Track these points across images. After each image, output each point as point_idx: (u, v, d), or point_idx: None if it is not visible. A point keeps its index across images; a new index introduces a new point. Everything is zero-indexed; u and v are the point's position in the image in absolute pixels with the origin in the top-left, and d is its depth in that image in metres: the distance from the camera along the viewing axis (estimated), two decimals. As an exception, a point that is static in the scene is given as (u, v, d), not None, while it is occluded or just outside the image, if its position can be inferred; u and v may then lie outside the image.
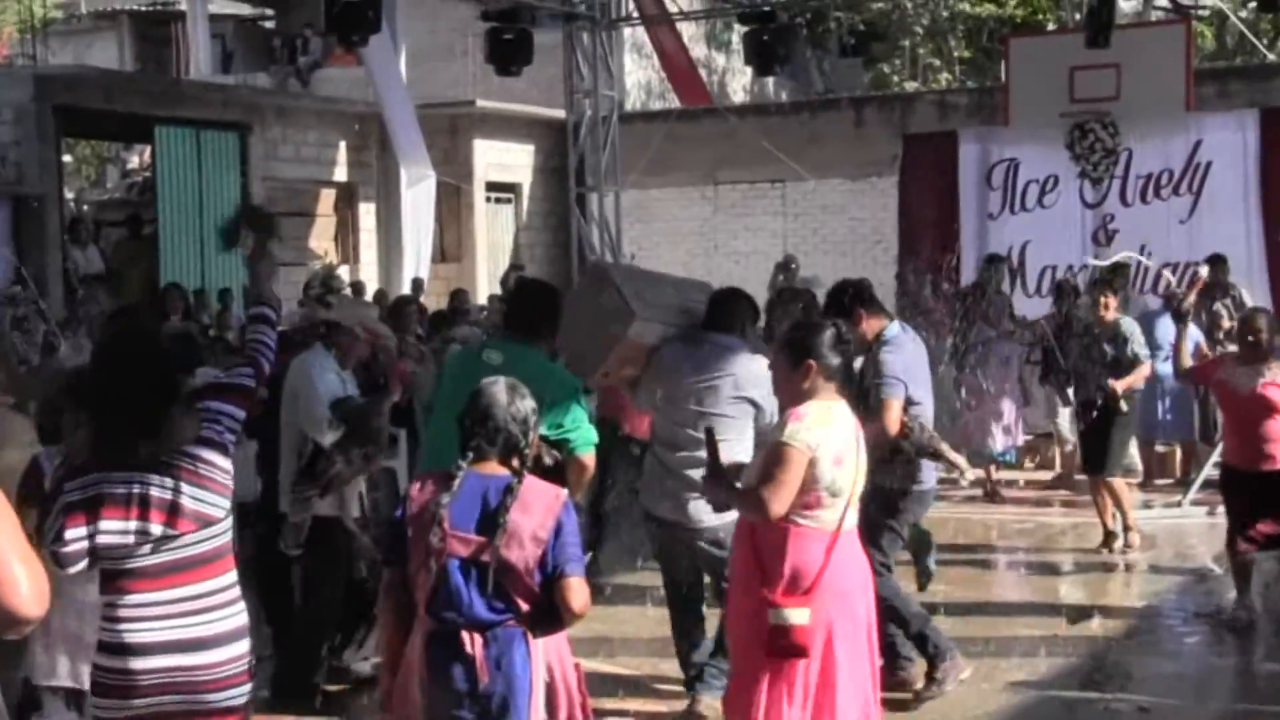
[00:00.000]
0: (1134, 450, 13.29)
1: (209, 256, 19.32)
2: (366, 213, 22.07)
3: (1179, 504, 11.72)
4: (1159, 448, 13.24)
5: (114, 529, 4.20)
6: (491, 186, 23.03)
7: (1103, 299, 10.35)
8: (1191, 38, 17.32)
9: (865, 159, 21.73)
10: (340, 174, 21.75)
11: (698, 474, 5.96)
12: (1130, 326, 10.38)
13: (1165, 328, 11.96)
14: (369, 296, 18.62)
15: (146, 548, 4.22)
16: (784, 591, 4.86)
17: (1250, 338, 8.22)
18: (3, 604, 2.59)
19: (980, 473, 11.97)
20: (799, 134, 22.59)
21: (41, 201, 17.21)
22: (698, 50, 26.60)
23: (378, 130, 21.29)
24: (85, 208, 21.91)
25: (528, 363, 5.78)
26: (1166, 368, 11.40)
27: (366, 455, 7.01)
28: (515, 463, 4.42)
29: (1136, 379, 10.32)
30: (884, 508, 6.77)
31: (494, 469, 4.40)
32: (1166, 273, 13.54)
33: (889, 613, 6.64)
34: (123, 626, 4.24)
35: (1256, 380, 8.11)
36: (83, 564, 4.20)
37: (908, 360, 6.85)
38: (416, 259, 20.51)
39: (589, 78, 17.83)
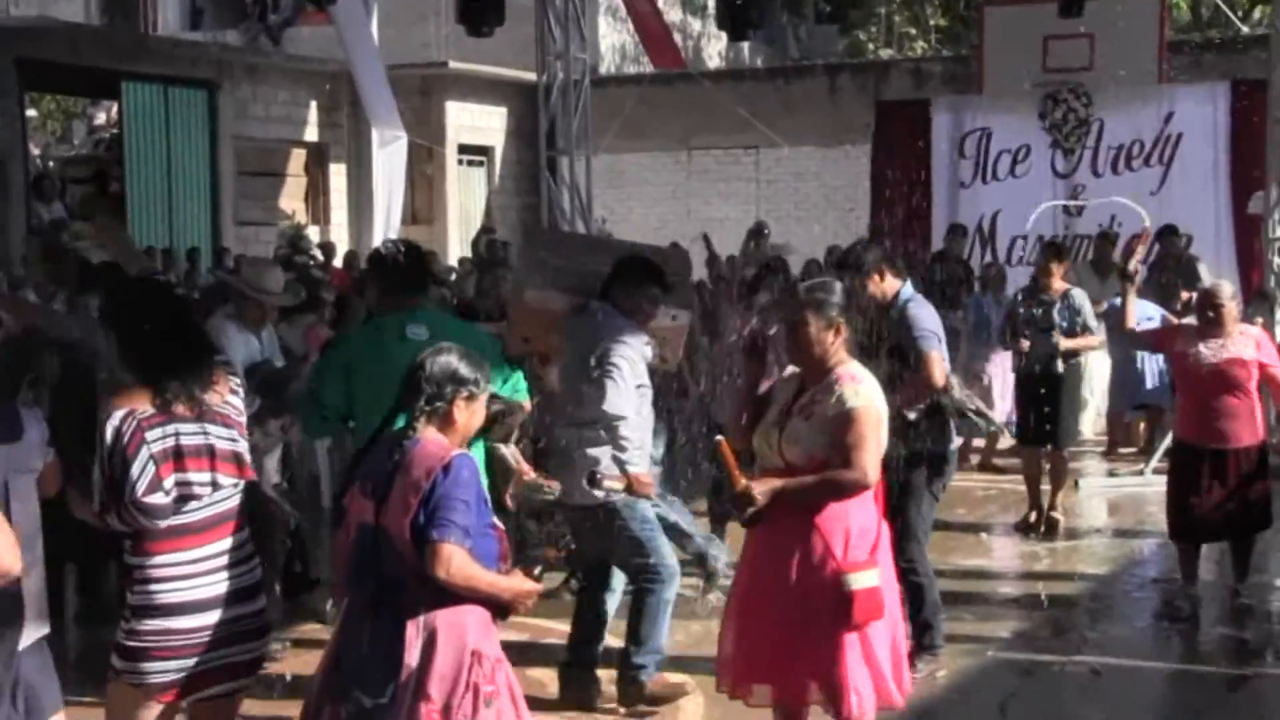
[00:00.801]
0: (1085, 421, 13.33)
1: (177, 215, 19.21)
2: (337, 173, 21.94)
3: (1141, 472, 11.76)
4: (1127, 417, 13.25)
5: (197, 480, 4.31)
6: (463, 149, 22.92)
7: (1049, 267, 10.14)
8: (1166, 9, 17.32)
9: (839, 126, 21.70)
10: (311, 134, 21.60)
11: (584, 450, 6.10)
12: (1081, 297, 10.08)
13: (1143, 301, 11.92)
14: (339, 259, 18.54)
15: (204, 500, 4.34)
16: (849, 557, 4.77)
17: (1211, 312, 7.88)
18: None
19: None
20: (773, 100, 22.54)
21: (5, 157, 17.05)
22: (672, 14, 26.45)
23: (349, 90, 21.12)
24: (51, 164, 21.72)
25: (454, 329, 5.70)
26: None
27: (284, 427, 6.90)
28: (413, 424, 4.22)
29: (1082, 344, 10.04)
30: (925, 472, 6.70)
31: (422, 431, 4.23)
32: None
33: (913, 589, 6.59)
34: (186, 584, 4.31)
35: (1220, 354, 7.80)
36: (171, 516, 4.28)
37: (934, 315, 6.82)
38: (387, 221, 20.39)
39: (561, 40, 17.70)
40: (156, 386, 4.33)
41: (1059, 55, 16.21)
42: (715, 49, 28.92)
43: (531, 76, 20.79)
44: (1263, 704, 6.78)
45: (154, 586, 4.29)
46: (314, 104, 21.47)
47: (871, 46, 29.79)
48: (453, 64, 22.32)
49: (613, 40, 26.56)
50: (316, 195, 21.98)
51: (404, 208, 21.17)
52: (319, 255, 18.76)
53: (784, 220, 21.63)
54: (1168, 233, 13.54)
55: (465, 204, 23.02)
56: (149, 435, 4.25)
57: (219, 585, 4.34)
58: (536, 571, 4.34)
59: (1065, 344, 9.80)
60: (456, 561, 4.04)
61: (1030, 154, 16.38)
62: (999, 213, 16.39)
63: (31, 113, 20.98)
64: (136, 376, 4.37)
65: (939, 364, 6.64)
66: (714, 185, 24.03)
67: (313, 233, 20.56)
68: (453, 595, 4.09)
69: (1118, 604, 8.49)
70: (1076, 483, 11.75)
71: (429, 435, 4.20)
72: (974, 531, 10.07)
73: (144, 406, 4.29)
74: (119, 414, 4.26)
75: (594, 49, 21.78)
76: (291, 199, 21.71)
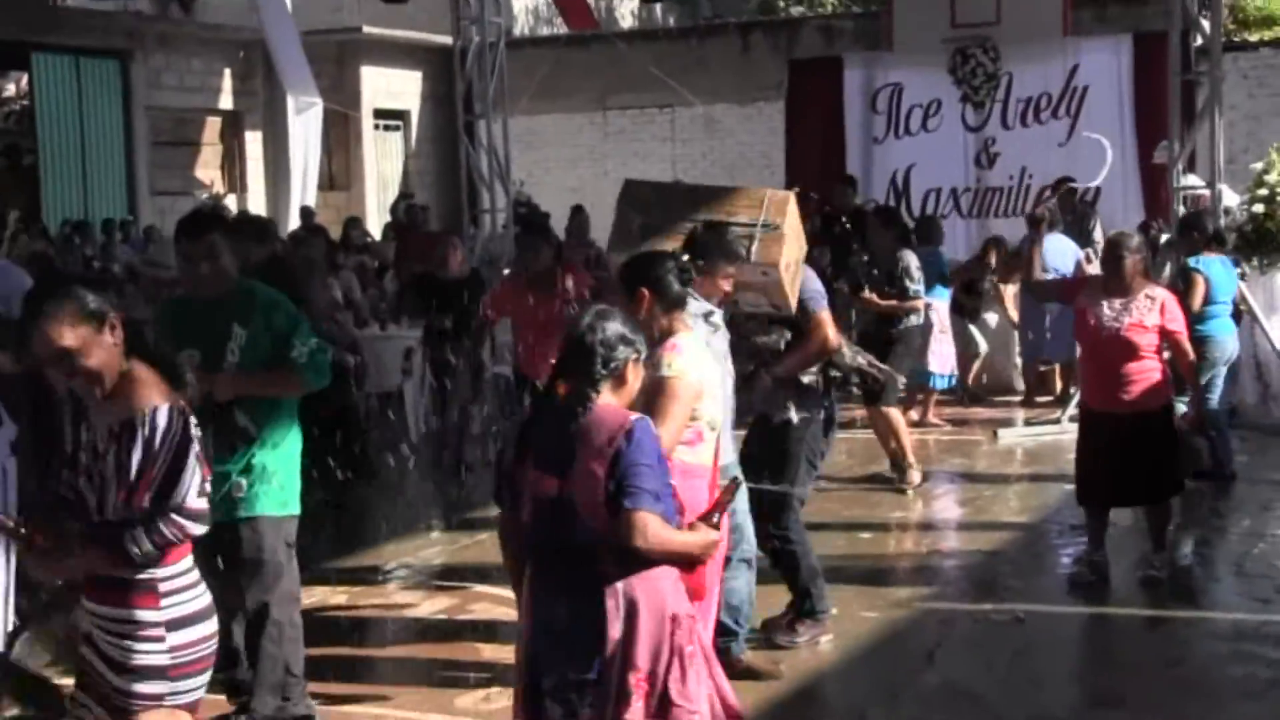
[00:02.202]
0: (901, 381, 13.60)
1: (91, 187, 19.06)
2: (253, 141, 21.84)
3: (1058, 421, 12.05)
4: (1041, 367, 13.54)
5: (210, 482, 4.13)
6: (380, 114, 22.88)
7: (881, 230, 10.39)
8: (1070, -37, 17.55)
9: (753, 84, 21.90)
10: (225, 102, 21.48)
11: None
12: (908, 259, 10.25)
13: (1061, 252, 12.19)
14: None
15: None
16: None
17: (1112, 264, 7.62)
18: None
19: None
20: (687, 59, 22.68)
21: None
22: (585, -25, 26.43)
23: (263, 57, 21.03)
24: (-41, 138, 21.45)
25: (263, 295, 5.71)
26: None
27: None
28: (590, 390, 4.09)
29: (902, 308, 10.21)
30: (804, 441, 6.72)
31: (585, 399, 4.11)
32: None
33: (788, 557, 6.74)
34: (201, 590, 4.11)
35: (1122, 319, 7.53)
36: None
37: (815, 276, 6.85)
38: (303, 187, 20.34)
39: (475, 4, 17.68)
40: (175, 377, 4.09)
41: (967, 10, 16.44)
42: (628, 8, 28.99)
43: (446, 40, 20.72)
44: (1180, 643, 7.06)
45: (189, 593, 4.05)
46: (228, 72, 21.35)
47: (782, 4, 29.92)
48: (367, 29, 22.27)
49: (526, 2, 26.55)
50: (233, 163, 21.87)
51: (321, 174, 21.14)
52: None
53: (700, 179, 21.71)
54: (1064, 185, 13.88)
55: (382, 169, 23.01)
56: (195, 434, 3.99)
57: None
58: (715, 519, 4.28)
59: (868, 296, 10.18)
60: (652, 528, 3.98)
61: (941, 108, 16.61)
62: (912, 166, 16.65)
63: (-64, 86, 20.71)
64: (155, 366, 4.07)
65: (830, 325, 6.68)
66: (630, 145, 24.16)
67: (230, 201, 20.47)
68: (645, 560, 4.03)
69: (1039, 552, 8.74)
70: (995, 432, 12.06)
71: (601, 401, 4.10)
72: (899, 488, 10.24)
73: (174, 399, 3.99)
74: (166, 408, 3.93)
75: (508, 12, 21.80)
76: (208, 168, 21.60)
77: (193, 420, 3.98)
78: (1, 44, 18.51)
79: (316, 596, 7.78)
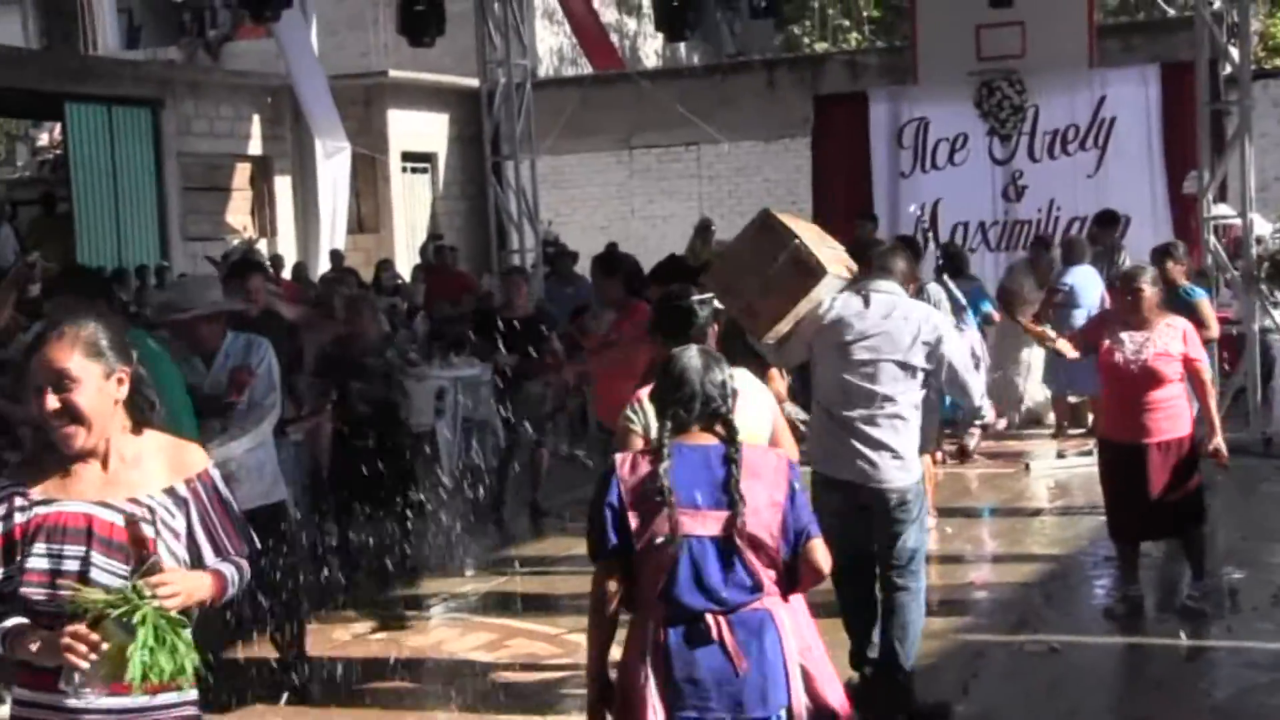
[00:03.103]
0: (1041, 398, 13.64)
1: (125, 234, 19.23)
2: (283, 186, 22.00)
3: (1090, 452, 11.99)
4: (1071, 399, 13.52)
5: None
6: (407, 156, 23.01)
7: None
8: (1093, -6, 17.56)
9: (778, 120, 21.94)
10: (255, 147, 21.65)
11: (877, 431, 6.11)
12: (935, 293, 10.21)
13: (1089, 286, 12.17)
14: (288, 270, 18.60)
15: None
16: None
17: (1130, 296, 7.62)
18: None
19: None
20: (712, 97, 22.75)
21: (-49, 182, 17.09)
22: (608, 14, 26.66)
23: (291, 102, 21.22)
24: (-2, 186, 21.75)
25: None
26: (1078, 318, 11.65)
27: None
28: (721, 429, 4.12)
29: None
30: None
31: (699, 438, 4.13)
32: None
33: None
34: None
35: (1145, 351, 7.53)
36: None
37: None
38: (332, 231, 20.51)
39: (501, 46, 17.80)
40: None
41: (992, 43, 16.42)
42: (652, 47, 29.15)
43: (472, 82, 20.88)
44: (1218, 672, 7.03)
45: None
46: (257, 117, 21.53)
47: (806, 40, 30.04)
48: (393, 73, 22.44)
49: (550, 43, 26.72)
50: (263, 208, 22.03)
51: (350, 217, 21.29)
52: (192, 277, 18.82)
53: (727, 216, 21.84)
54: (1106, 221, 13.84)
55: (411, 211, 23.12)
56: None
57: None
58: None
59: None
60: (827, 551, 4.12)
61: (968, 142, 16.60)
62: (939, 201, 16.64)
63: (-26, 137, 21.01)
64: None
65: (778, 380, 6.67)
66: (656, 183, 24.25)
67: (261, 246, 20.62)
68: (791, 587, 4.11)
69: (1073, 584, 8.73)
70: (1027, 465, 12.04)
71: (743, 440, 4.14)
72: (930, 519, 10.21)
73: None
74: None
75: (533, 53, 21.94)
76: (238, 213, 21.76)
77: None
78: (37, 95, 18.74)
79: (356, 631, 7.85)
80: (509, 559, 9.65)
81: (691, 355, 4.24)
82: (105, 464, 3.51)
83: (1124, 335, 7.64)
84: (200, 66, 22.05)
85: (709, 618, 3.96)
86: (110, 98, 19.12)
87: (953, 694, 6.69)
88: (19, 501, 3.46)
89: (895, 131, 16.94)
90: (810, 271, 6.03)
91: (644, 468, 4.04)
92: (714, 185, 24.06)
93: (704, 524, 3.96)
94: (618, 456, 4.17)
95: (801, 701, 4.01)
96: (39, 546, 3.40)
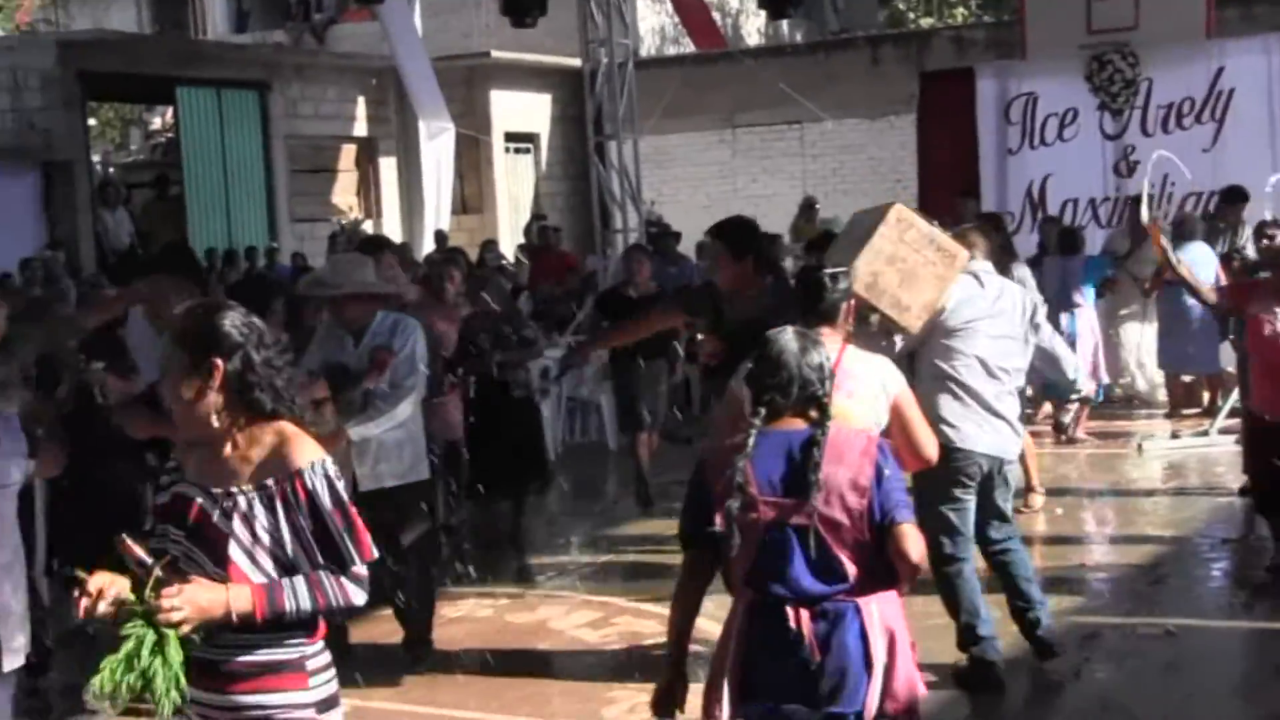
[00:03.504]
0: (1159, 379, 13.41)
1: (234, 215, 19.50)
2: (387, 167, 22.17)
3: (1205, 433, 11.78)
4: (1185, 378, 13.28)
5: None
6: (510, 137, 23.08)
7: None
8: (1212, -38, 17.17)
9: (883, 98, 21.70)
10: (360, 129, 21.84)
11: (1004, 405, 6.34)
12: (1016, 271, 10.02)
13: (1202, 262, 11.90)
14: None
15: None
16: None
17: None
18: None
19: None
20: (815, 74, 22.56)
21: (70, 166, 17.41)
22: (711, -7, 26.51)
23: (395, 84, 21.36)
24: (112, 170, 22.10)
25: None
26: (1189, 297, 11.40)
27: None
28: (815, 413, 4.00)
29: None
30: None
31: (791, 424, 4.01)
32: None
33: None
34: (334, 671, 3.68)
35: None
36: None
37: None
38: (437, 212, 20.62)
39: (603, 26, 17.85)
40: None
41: (1103, 15, 16.13)
42: (754, 25, 28.97)
43: (574, 62, 20.95)
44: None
45: (330, 673, 3.59)
46: (362, 100, 21.70)
47: (911, 16, 29.72)
48: (496, 54, 22.50)
49: (652, 22, 26.65)
50: (368, 189, 22.22)
51: (454, 198, 21.39)
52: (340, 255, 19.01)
53: (831, 195, 21.71)
54: (1234, 197, 13.53)
55: (514, 191, 23.20)
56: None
57: None
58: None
59: None
60: (922, 541, 3.93)
61: (1078, 117, 16.32)
62: (1049, 177, 16.37)
63: (91, 121, 21.36)
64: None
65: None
66: (759, 162, 24.11)
67: (366, 227, 20.81)
68: (887, 581, 3.94)
69: (1188, 566, 8.54)
70: (1140, 446, 11.82)
71: (835, 420, 4.03)
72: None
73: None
74: (326, 461, 3.48)
75: (635, 32, 21.90)
76: (344, 194, 21.97)
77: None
78: (149, 79, 19.04)
79: (464, 609, 7.90)
80: (616, 537, 9.67)
81: (789, 337, 4.11)
82: (219, 450, 3.47)
83: (1276, 309, 7.44)
84: (306, 50, 22.21)
85: (788, 608, 3.88)
86: (219, 81, 19.38)
87: (1065, 676, 6.58)
88: (167, 479, 3.58)
89: (1003, 107, 16.70)
90: (954, 257, 6.08)
91: (730, 456, 3.96)
92: (818, 164, 23.87)
93: (783, 512, 3.88)
94: (706, 444, 4.12)
95: (875, 703, 3.87)
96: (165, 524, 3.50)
